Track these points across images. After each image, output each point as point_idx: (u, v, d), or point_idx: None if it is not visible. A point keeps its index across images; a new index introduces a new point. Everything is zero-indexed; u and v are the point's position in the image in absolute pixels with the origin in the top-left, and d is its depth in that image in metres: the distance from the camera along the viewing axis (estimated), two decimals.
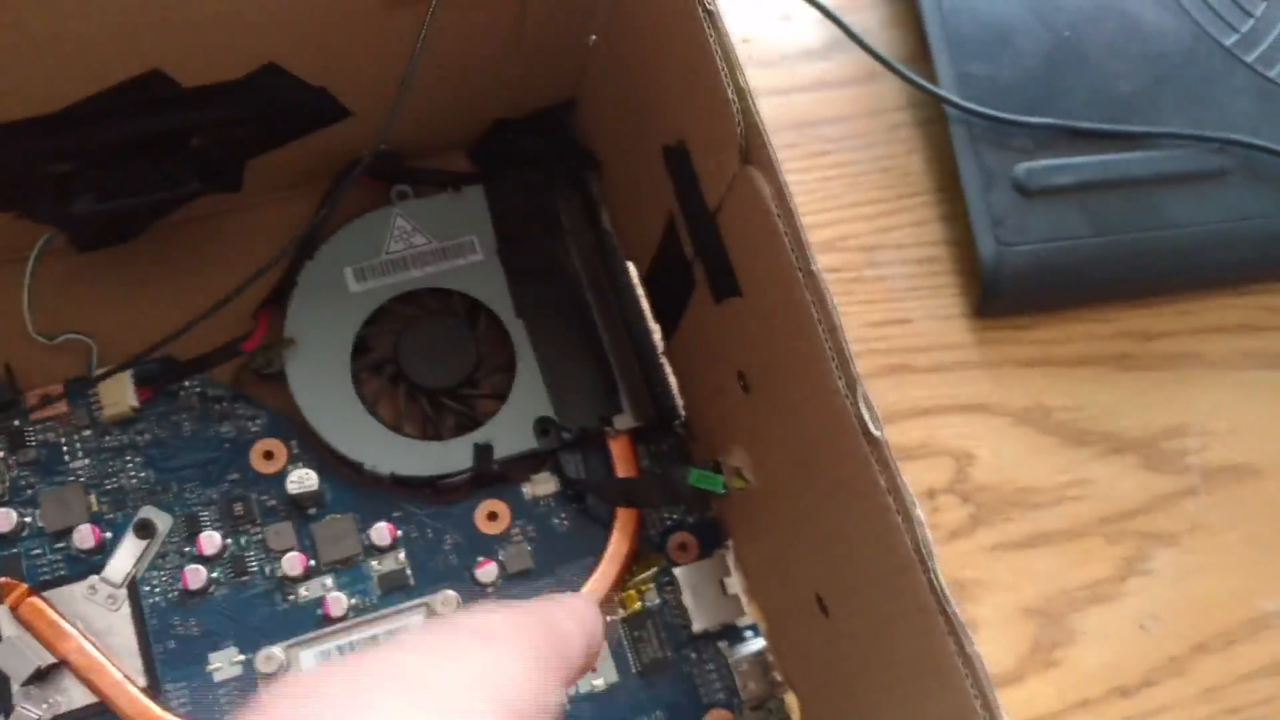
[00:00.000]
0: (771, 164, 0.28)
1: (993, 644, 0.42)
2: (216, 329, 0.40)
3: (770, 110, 0.48)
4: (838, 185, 0.47)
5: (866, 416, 0.26)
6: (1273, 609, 0.45)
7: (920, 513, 0.26)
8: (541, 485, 0.39)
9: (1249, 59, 0.49)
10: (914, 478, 0.43)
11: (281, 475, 0.38)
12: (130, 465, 0.37)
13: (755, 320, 0.32)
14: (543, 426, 0.39)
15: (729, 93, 0.29)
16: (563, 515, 0.39)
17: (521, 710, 0.21)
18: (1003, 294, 0.45)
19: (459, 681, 0.20)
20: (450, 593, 0.38)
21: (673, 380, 0.41)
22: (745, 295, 0.32)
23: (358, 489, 0.38)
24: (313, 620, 0.37)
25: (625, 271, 0.41)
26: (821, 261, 0.46)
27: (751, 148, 0.29)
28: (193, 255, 0.40)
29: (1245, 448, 0.47)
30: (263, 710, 0.19)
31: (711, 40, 0.29)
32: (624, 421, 0.40)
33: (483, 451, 0.38)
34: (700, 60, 0.30)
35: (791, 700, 0.38)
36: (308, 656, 0.36)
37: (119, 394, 0.38)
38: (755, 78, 0.48)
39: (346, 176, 0.41)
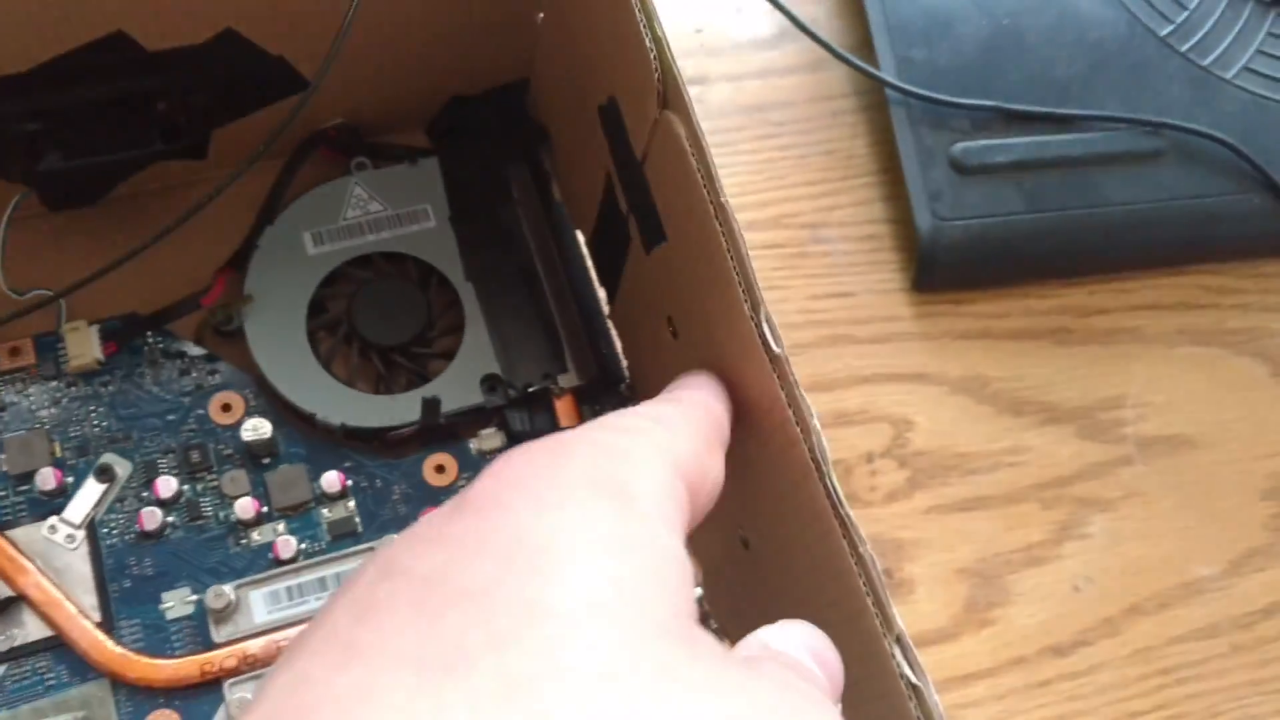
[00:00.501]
0: (686, 107, 0.30)
1: (928, 602, 0.43)
2: (180, 290, 0.42)
3: (721, 96, 0.50)
4: (784, 166, 0.49)
5: (769, 334, 0.28)
6: (1206, 574, 0.46)
7: (817, 423, 0.27)
8: (488, 440, 0.41)
9: (1183, 49, 0.51)
10: (852, 442, 0.45)
11: (238, 426, 0.39)
12: (93, 414, 0.39)
13: (679, 263, 0.33)
14: (490, 383, 0.41)
15: (647, 41, 0.31)
16: None
17: (689, 473, 0.25)
18: (939, 266, 0.46)
19: (638, 444, 0.25)
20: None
21: (619, 345, 0.43)
22: (670, 240, 0.34)
23: (310, 439, 0.40)
24: (264, 563, 0.38)
25: (574, 240, 0.43)
26: (766, 237, 0.48)
27: (669, 93, 0.31)
28: (160, 221, 0.42)
29: (1181, 420, 0.48)
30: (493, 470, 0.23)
31: None
32: (569, 380, 0.41)
33: (430, 405, 0.40)
34: (622, 16, 0.32)
35: None
36: (257, 596, 0.38)
37: (85, 347, 0.39)
38: (707, 65, 0.51)
39: (269, 141, 0.43)
